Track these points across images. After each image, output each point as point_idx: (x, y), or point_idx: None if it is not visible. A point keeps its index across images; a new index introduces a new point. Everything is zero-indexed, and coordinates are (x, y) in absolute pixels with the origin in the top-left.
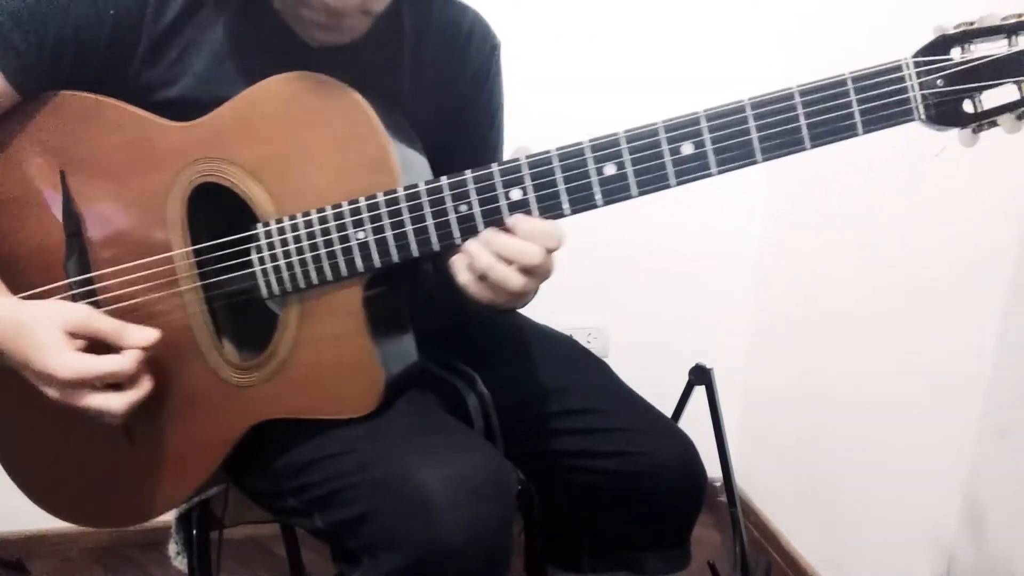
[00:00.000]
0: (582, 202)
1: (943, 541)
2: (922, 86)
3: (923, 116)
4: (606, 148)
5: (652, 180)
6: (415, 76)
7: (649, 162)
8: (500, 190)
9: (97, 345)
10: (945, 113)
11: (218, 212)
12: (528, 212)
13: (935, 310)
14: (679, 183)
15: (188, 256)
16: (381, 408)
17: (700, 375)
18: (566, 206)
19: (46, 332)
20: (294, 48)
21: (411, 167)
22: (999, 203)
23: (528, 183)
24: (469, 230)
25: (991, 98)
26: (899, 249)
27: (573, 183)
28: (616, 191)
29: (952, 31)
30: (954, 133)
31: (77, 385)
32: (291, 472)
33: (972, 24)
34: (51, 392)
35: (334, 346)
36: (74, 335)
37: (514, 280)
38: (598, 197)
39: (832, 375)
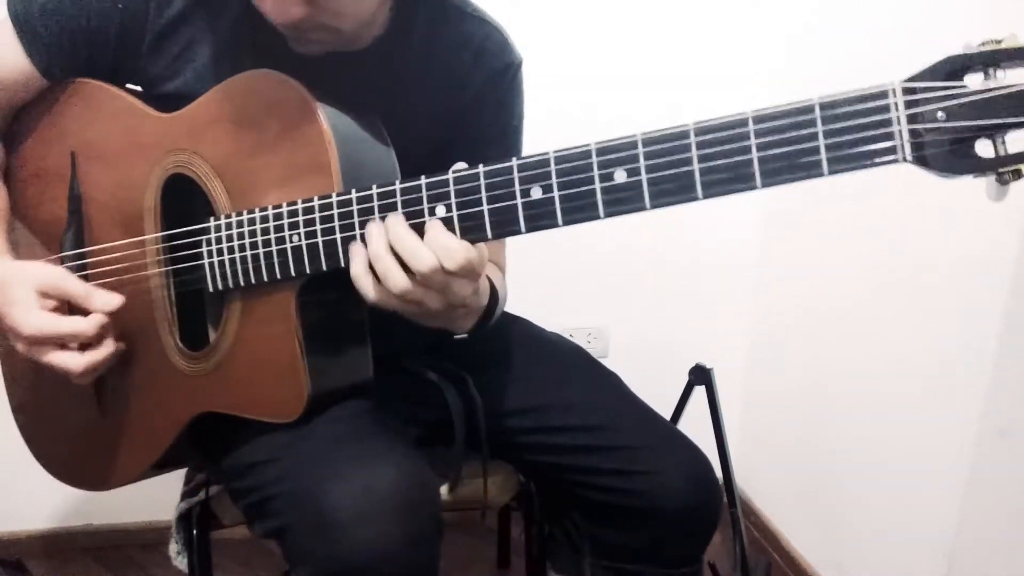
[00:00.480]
0: (505, 226)
1: (943, 541)
2: (912, 119)
3: (910, 156)
4: (533, 169)
5: (578, 208)
6: (418, 87)
7: (577, 188)
8: (425, 205)
9: (73, 308)
10: (948, 156)
11: (198, 201)
12: (452, 231)
13: (935, 310)
14: (608, 214)
15: (156, 242)
16: (312, 415)
17: (700, 375)
18: (488, 228)
19: (20, 290)
20: (291, 51)
21: (362, 173)
22: (999, 203)
23: (452, 200)
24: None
25: (1019, 141)
26: (899, 249)
27: (497, 204)
28: (540, 217)
29: (972, 51)
30: (977, 181)
31: (39, 342)
32: (235, 474)
33: (1000, 42)
34: (19, 347)
35: (266, 348)
36: (46, 295)
37: (397, 278)
38: (521, 222)
39: (832, 375)
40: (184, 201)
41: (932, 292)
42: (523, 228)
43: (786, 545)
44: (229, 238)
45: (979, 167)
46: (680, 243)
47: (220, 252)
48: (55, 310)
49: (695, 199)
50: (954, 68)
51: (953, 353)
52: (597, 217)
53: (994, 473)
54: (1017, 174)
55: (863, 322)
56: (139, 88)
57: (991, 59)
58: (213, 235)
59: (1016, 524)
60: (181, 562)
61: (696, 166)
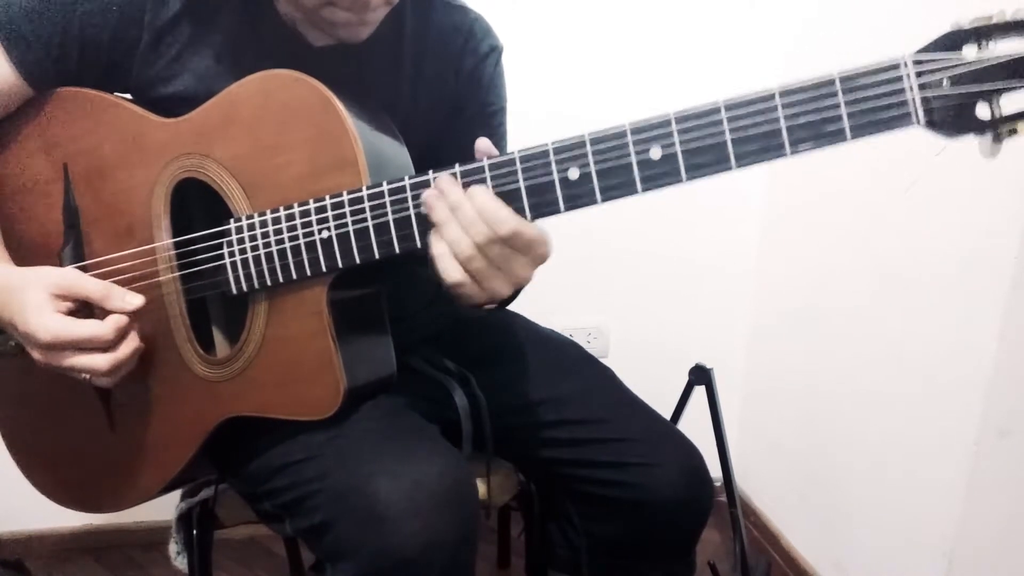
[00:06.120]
0: (544, 207)
1: (943, 541)
2: (923, 87)
3: (922, 121)
4: (569, 151)
5: (617, 186)
6: (414, 75)
7: (614, 166)
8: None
9: (89, 308)
10: (954, 119)
11: (206, 206)
12: None
13: (935, 310)
14: (646, 190)
15: (168, 249)
16: (346, 412)
17: (700, 375)
18: (527, 211)
19: (32, 294)
20: (294, 48)
21: (384, 166)
22: (999, 202)
23: (489, 185)
24: (429, 232)
25: (1012, 102)
26: (899, 248)
27: (534, 185)
28: (578, 196)
29: (966, 26)
30: (972, 142)
31: (57, 347)
32: (264, 476)
33: (991, 18)
34: (35, 354)
35: (298, 346)
36: (61, 297)
37: (464, 243)
38: (560, 202)
39: (832, 375)
40: (192, 206)
41: (932, 291)
42: (562, 207)
43: (786, 545)
44: (253, 238)
45: (979, 127)
46: (680, 243)
47: (243, 252)
48: (71, 313)
49: (729, 169)
50: (953, 42)
51: (953, 352)
52: (635, 192)
53: (994, 473)
54: (1013, 132)
55: (863, 322)
56: (128, 95)
57: (984, 33)
58: (235, 236)
59: (1016, 524)
60: (181, 562)
61: (728, 138)
